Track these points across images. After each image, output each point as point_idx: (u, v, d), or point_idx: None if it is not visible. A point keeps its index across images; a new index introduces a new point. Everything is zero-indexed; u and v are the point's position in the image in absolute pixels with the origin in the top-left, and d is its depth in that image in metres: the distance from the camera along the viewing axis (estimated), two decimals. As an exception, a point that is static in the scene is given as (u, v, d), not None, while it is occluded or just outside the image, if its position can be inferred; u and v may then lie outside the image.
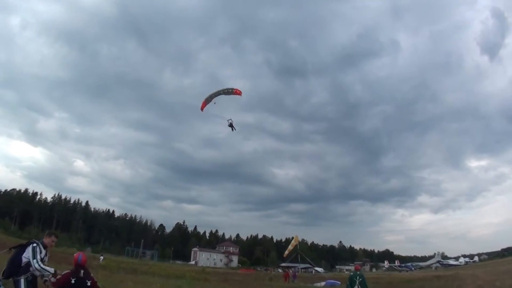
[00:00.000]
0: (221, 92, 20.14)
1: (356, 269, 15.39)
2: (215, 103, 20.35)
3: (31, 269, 6.06)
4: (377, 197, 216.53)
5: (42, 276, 6.24)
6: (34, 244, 6.22)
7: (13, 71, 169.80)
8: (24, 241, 6.68)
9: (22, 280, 6.03)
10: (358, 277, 13.96)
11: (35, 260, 6.05)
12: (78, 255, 6.48)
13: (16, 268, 6.11)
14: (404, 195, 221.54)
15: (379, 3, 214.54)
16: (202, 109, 20.50)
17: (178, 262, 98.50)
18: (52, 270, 6.20)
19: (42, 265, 6.10)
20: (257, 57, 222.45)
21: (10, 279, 6.08)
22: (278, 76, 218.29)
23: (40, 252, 6.20)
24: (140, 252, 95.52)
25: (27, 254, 6.11)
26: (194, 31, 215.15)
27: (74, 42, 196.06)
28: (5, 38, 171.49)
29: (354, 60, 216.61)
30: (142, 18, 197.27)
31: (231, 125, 21.81)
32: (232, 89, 20.34)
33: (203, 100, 20.45)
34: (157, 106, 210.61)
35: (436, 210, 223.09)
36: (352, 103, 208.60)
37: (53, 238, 6.70)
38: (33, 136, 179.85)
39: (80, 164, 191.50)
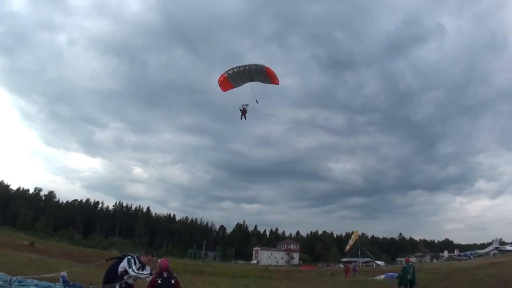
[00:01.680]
0: (248, 69, 15.82)
1: (407, 261, 17.92)
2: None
3: (125, 277, 7.12)
4: (436, 186, 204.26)
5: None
6: (129, 257, 7.33)
7: (65, 86, 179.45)
8: (120, 254, 7.89)
9: (117, 287, 7.12)
10: (410, 268, 15.97)
11: (131, 269, 7.08)
12: (161, 261, 7.57)
13: (113, 276, 7.24)
14: (461, 182, 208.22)
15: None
16: (224, 89, 16.64)
17: (240, 262, 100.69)
18: (148, 271, 7.24)
19: (137, 271, 7.13)
20: (304, 53, 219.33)
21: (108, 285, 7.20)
22: (327, 70, 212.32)
23: (135, 264, 7.22)
24: (202, 254, 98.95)
25: (123, 265, 7.18)
26: (240, 32, 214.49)
27: (123, 54, 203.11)
28: (55, 55, 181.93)
29: (401, 47, 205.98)
30: (187, 24, 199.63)
31: (243, 111, 17.58)
32: (263, 66, 15.85)
33: (222, 73, 16.18)
34: (210, 109, 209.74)
35: (494, 195, 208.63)
36: (403, 91, 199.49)
37: (149, 257, 7.74)
38: (91, 147, 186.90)
39: (138, 171, 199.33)
